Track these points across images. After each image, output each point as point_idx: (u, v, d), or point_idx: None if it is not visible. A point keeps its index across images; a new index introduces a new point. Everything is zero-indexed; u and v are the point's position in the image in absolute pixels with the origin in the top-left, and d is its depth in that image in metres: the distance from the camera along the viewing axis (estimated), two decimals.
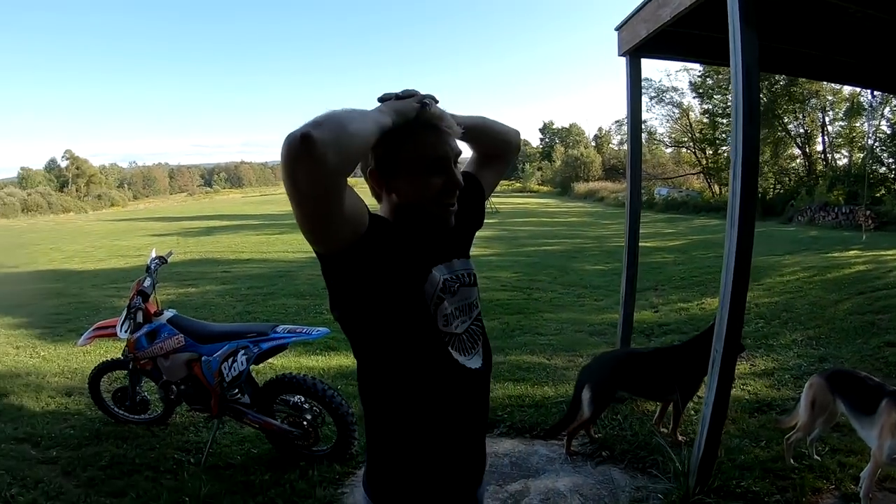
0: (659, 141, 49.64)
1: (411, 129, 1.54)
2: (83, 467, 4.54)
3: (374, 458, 1.77)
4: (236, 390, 4.50)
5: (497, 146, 2.02)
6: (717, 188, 40.36)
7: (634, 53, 5.08)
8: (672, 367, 4.44)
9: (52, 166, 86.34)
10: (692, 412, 4.89)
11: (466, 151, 1.95)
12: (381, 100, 1.56)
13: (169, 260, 5.45)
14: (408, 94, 1.57)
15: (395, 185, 1.61)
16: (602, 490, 3.95)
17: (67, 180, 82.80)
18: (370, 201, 1.58)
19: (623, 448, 4.41)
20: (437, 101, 1.63)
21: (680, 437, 4.45)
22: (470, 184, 1.90)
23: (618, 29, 5.15)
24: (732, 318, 3.38)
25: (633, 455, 4.33)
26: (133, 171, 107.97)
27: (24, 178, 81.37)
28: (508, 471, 4.25)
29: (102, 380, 5.44)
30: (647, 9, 4.56)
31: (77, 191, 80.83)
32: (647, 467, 4.16)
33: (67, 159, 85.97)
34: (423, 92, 1.62)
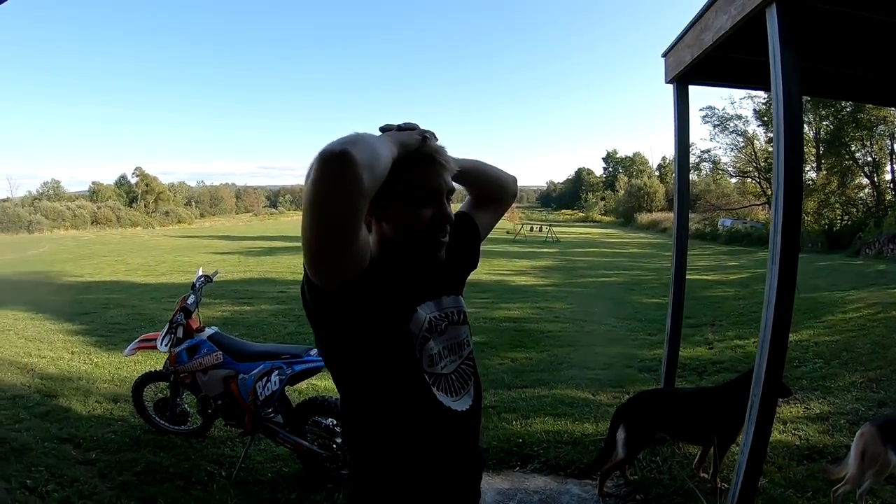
0: (723, 171, 48.50)
1: (410, 159, 1.54)
2: (119, 471, 4.69)
3: (356, 495, 1.75)
4: (270, 409, 4.58)
5: (492, 190, 2.04)
6: None
7: (681, 80, 4.98)
8: (712, 409, 4.21)
9: (122, 182, 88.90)
10: (736, 456, 4.67)
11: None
12: (382, 129, 1.55)
13: (215, 279, 5.68)
14: (408, 127, 1.57)
15: (387, 213, 1.60)
16: None
17: (136, 196, 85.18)
18: None
19: (658, 492, 4.22)
20: (436, 138, 1.64)
21: (721, 484, 4.19)
22: (465, 223, 1.96)
23: (664, 55, 5.08)
24: (772, 361, 3.21)
25: (668, 500, 4.14)
26: (201, 190, 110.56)
27: (95, 192, 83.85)
28: None
29: (147, 390, 5.60)
30: (690, 34, 4.48)
31: (145, 206, 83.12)
32: None
33: (137, 176, 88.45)
34: (422, 126, 1.63)
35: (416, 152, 1.55)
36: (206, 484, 4.50)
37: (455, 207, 1.83)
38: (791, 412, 5.57)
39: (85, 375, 7.61)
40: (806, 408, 5.83)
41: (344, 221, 1.31)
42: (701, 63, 4.50)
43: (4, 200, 69.85)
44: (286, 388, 4.63)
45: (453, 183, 1.67)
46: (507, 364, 8.26)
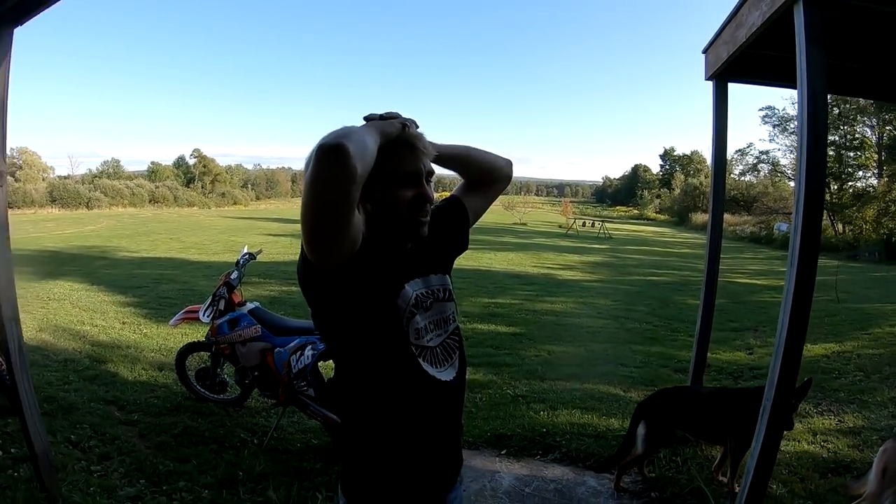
0: (782, 173, 46.96)
1: (391, 146, 1.66)
2: (158, 432, 4.99)
3: (348, 459, 1.88)
4: (303, 382, 4.77)
5: (482, 175, 2.12)
6: (840, 226, 37.35)
7: (720, 77, 4.94)
8: (732, 410, 4.15)
9: (180, 163, 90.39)
10: None
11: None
12: (365, 119, 1.68)
13: (259, 258, 5.94)
14: (391, 116, 1.69)
15: (372, 195, 1.71)
16: None
17: (194, 177, 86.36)
18: None
19: (674, 492, 4.21)
20: (417, 126, 1.76)
21: (737, 489, 4.08)
22: (454, 207, 2.09)
23: (704, 52, 5.04)
24: (786, 366, 3.16)
25: (682, 500, 4.13)
26: (257, 173, 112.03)
27: (154, 172, 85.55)
28: (551, 497, 4.20)
29: (190, 360, 5.90)
30: (726, 31, 4.45)
31: (202, 187, 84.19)
32: None
33: (195, 157, 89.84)
34: (405, 115, 1.76)
35: (396, 139, 1.67)
36: (238, 449, 4.73)
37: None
38: (823, 424, 5.47)
39: (133, 344, 7.97)
40: (839, 420, 5.67)
41: (339, 207, 1.45)
42: (737, 60, 4.47)
43: (65, 177, 71.48)
44: (319, 364, 4.81)
45: (434, 167, 1.80)
46: (543, 356, 8.32)
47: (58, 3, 3.25)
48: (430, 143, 1.82)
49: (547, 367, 7.68)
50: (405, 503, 1.84)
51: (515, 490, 4.26)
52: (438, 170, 1.90)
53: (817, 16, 3.00)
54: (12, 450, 4.44)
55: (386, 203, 1.71)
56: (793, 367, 3.18)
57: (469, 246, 2.13)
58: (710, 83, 5.06)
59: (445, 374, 1.84)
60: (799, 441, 5.01)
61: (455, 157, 2.01)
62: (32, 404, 3.57)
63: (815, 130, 3.00)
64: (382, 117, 1.68)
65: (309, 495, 4.01)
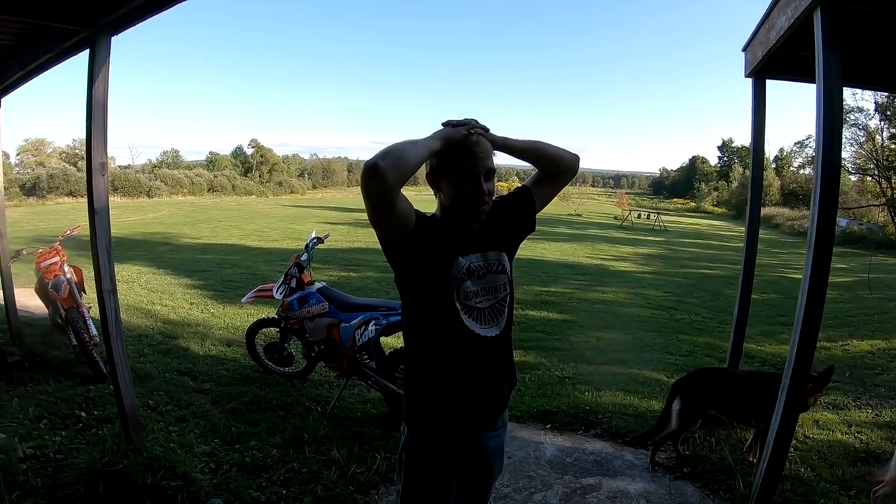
0: (843, 167, 45.02)
1: (455, 148, 2.11)
2: (228, 400, 5.44)
3: (406, 390, 2.37)
4: (366, 355, 5.18)
5: (550, 167, 2.44)
6: None
7: (758, 75, 5.06)
8: (763, 392, 4.24)
9: (238, 153, 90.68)
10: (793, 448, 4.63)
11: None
12: (443, 124, 2.14)
13: (325, 241, 6.35)
14: (464, 123, 2.13)
15: (441, 186, 2.19)
16: (669, 500, 4.02)
17: (252, 166, 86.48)
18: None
19: (705, 468, 4.40)
20: (487, 130, 2.19)
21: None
22: (523, 194, 2.45)
23: (743, 50, 5.17)
24: (803, 348, 3.40)
25: (712, 477, 4.30)
26: (314, 163, 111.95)
27: (212, 162, 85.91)
28: (590, 467, 4.46)
29: (258, 337, 6.32)
30: (761, 32, 4.61)
31: (260, 176, 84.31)
32: (721, 489, 4.14)
33: (253, 147, 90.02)
34: (480, 122, 2.18)
35: (460, 143, 2.09)
36: (303, 416, 5.16)
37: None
38: (860, 416, 5.54)
39: (202, 322, 8.50)
40: (876, 414, 5.69)
41: (381, 203, 1.94)
42: (772, 59, 4.62)
43: (126, 167, 72.52)
44: (381, 338, 5.18)
45: (496, 162, 2.20)
46: (592, 342, 8.56)
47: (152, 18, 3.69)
48: (501, 138, 2.26)
49: (594, 352, 7.93)
50: (444, 431, 2.30)
51: (557, 459, 4.55)
52: (509, 160, 2.38)
53: (835, 23, 3.19)
54: (96, 412, 4.96)
55: (449, 193, 2.16)
56: (809, 350, 3.42)
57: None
58: (750, 80, 5.20)
59: (487, 331, 2.25)
60: (833, 431, 5.13)
61: (525, 150, 2.36)
62: (124, 366, 4.01)
63: (831, 129, 3.20)
64: (455, 124, 2.12)
65: (369, 455, 4.36)
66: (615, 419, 5.25)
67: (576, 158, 2.47)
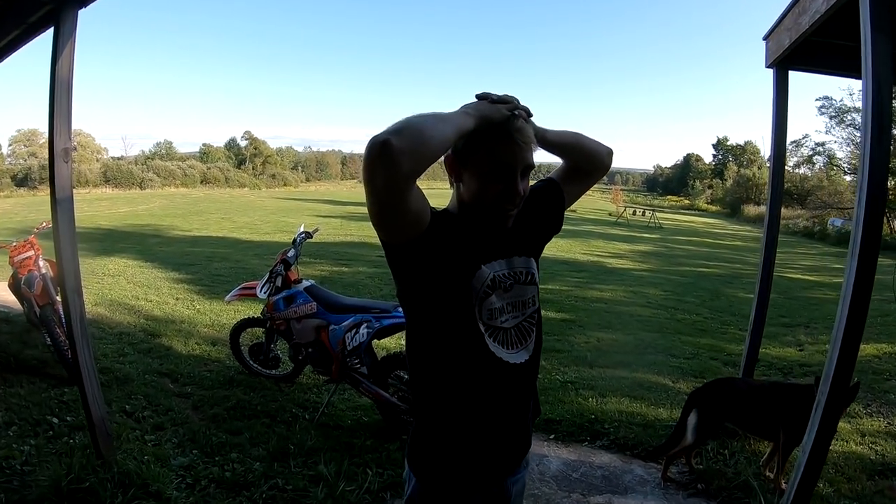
0: (838, 167, 45.10)
1: (489, 132, 1.64)
2: (210, 405, 5.15)
3: (414, 429, 1.92)
4: (357, 359, 4.87)
5: (586, 162, 2.07)
6: None
7: (781, 65, 4.79)
8: (784, 404, 4.04)
9: (231, 145, 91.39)
10: None
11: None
12: (478, 97, 1.68)
13: (315, 235, 6.04)
14: (503, 100, 1.68)
15: (464, 176, 1.73)
16: None
17: (245, 158, 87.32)
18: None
19: (720, 485, 4.14)
20: (530, 115, 1.74)
21: (783, 485, 3.98)
22: (551, 190, 2.06)
23: (765, 38, 4.91)
24: (843, 359, 3.04)
25: (728, 494, 4.04)
26: (307, 156, 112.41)
27: (206, 154, 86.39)
28: (598, 483, 4.20)
29: (242, 335, 6.03)
30: (789, 17, 4.33)
31: (253, 169, 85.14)
32: None
33: (246, 140, 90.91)
34: (521, 102, 1.73)
35: (498, 126, 1.64)
36: (289, 423, 4.86)
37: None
38: (872, 425, 5.32)
39: (187, 319, 8.21)
40: (888, 423, 5.46)
41: (389, 196, 1.48)
42: (800, 47, 4.35)
43: (119, 158, 73.12)
44: (373, 342, 4.89)
45: (538, 154, 1.77)
46: (593, 343, 8.31)
47: None
48: (540, 128, 1.83)
49: (596, 354, 7.68)
50: (463, 482, 1.86)
51: (563, 475, 4.27)
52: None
53: (884, 2, 2.87)
54: (68, 418, 4.65)
55: (473, 188, 1.72)
56: (849, 361, 3.07)
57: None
58: (771, 71, 4.92)
59: (516, 357, 1.84)
60: (847, 441, 4.90)
61: (562, 145, 1.98)
62: (92, 373, 3.69)
63: (879, 122, 2.87)
64: (493, 100, 1.68)
65: (359, 471, 4.08)
66: (622, 429, 4.99)
67: (610, 154, 2.11)
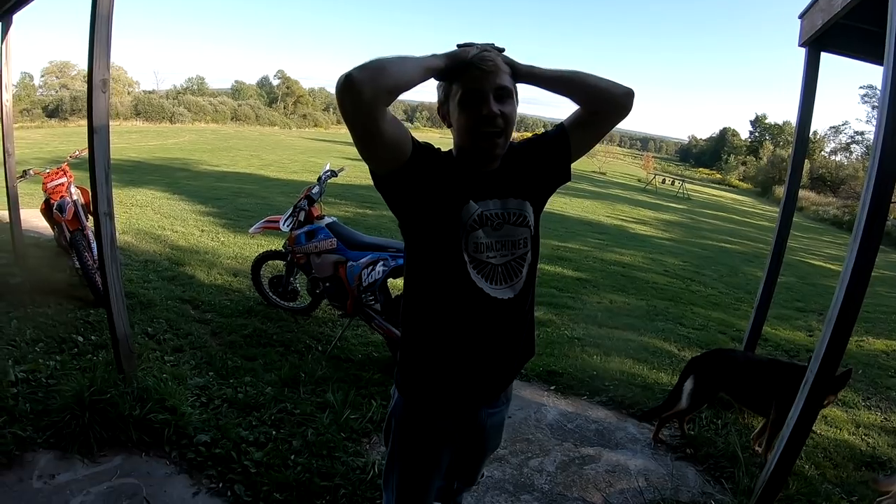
0: (858, 161, 44.21)
1: (459, 69, 1.81)
2: (228, 332, 5.37)
3: (400, 350, 2.09)
4: (371, 296, 5.03)
5: (594, 102, 1.97)
6: None
7: (813, 45, 4.68)
8: (779, 381, 4.06)
9: (264, 83, 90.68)
10: None
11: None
12: (458, 45, 1.86)
13: (340, 175, 6.14)
14: (484, 47, 1.85)
15: (450, 116, 1.89)
16: (668, 483, 3.84)
17: (277, 97, 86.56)
18: None
19: (708, 452, 4.21)
20: (502, 50, 1.89)
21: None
22: (557, 136, 2.03)
23: (801, 17, 4.78)
24: (835, 340, 3.02)
25: (714, 462, 4.11)
26: None
27: (237, 91, 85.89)
28: (591, 436, 4.32)
29: (263, 267, 6.24)
30: None
31: (284, 108, 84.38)
32: (723, 477, 3.95)
33: (279, 78, 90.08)
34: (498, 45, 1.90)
35: (466, 63, 1.80)
36: (302, 354, 5.08)
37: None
38: (868, 418, 5.35)
39: (211, 250, 8.43)
40: (885, 418, 5.48)
41: (359, 120, 1.64)
42: (832, 29, 4.26)
43: (150, 92, 72.68)
44: (388, 280, 5.03)
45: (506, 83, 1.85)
46: (605, 304, 8.41)
47: None
48: (526, 66, 1.91)
49: (607, 315, 7.78)
50: (437, 403, 2.04)
51: (558, 424, 4.42)
52: (533, 109, 1.94)
53: None
54: (93, 337, 4.87)
55: (458, 123, 1.85)
56: (841, 343, 3.07)
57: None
58: (804, 50, 4.83)
59: (499, 292, 1.91)
60: (840, 429, 4.97)
61: (558, 80, 1.94)
62: (119, 293, 3.85)
63: (893, 111, 2.75)
64: (475, 46, 1.85)
65: (365, 401, 4.27)
66: (622, 388, 5.12)
67: (628, 93, 1.96)
